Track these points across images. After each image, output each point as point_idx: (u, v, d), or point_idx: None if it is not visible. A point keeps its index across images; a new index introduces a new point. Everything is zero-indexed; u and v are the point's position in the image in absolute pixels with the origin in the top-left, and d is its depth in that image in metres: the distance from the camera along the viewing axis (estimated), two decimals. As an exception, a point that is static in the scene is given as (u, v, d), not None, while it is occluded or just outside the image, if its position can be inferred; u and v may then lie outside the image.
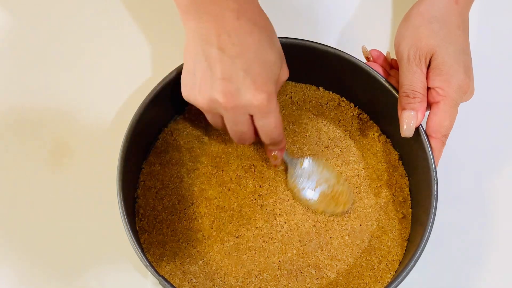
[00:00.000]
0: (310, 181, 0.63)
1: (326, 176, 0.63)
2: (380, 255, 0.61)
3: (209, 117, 0.57)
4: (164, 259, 0.60)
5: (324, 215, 0.62)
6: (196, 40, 0.52)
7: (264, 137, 0.57)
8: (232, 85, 0.51)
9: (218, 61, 0.51)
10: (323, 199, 0.62)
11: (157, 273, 0.54)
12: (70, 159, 0.66)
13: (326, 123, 0.67)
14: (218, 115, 0.56)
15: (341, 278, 0.60)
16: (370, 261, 0.61)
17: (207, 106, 0.54)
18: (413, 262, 0.55)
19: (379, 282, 0.60)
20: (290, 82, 0.68)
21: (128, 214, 0.56)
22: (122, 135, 0.57)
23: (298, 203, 0.63)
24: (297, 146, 0.65)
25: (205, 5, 0.50)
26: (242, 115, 0.54)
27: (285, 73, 0.56)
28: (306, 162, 0.63)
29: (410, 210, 0.63)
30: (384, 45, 0.73)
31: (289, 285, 0.60)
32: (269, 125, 0.55)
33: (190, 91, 0.54)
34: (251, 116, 0.54)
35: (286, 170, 0.64)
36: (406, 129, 0.58)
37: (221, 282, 0.60)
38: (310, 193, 0.62)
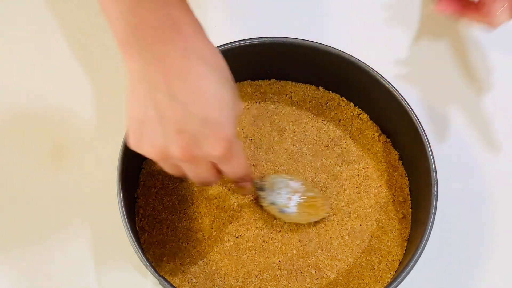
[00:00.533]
0: (282, 196, 0.61)
1: (294, 187, 0.61)
2: (380, 255, 0.61)
3: (164, 167, 0.51)
4: (164, 259, 0.60)
5: (310, 223, 0.61)
6: (142, 83, 0.46)
7: (230, 177, 0.53)
8: (188, 136, 0.46)
9: (170, 109, 0.45)
10: (302, 209, 0.61)
11: (157, 273, 0.54)
12: (70, 160, 0.66)
13: (326, 123, 0.67)
14: (175, 165, 0.50)
15: (341, 278, 0.60)
16: (370, 261, 0.61)
17: (160, 158, 0.48)
18: (413, 262, 0.55)
19: (379, 282, 0.60)
20: (290, 82, 0.68)
21: (128, 214, 0.56)
22: (122, 135, 0.57)
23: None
24: (297, 145, 0.65)
25: (148, 42, 0.45)
26: (203, 164, 0.49)
27: (240, 108, 0.51)
28: (271, 180, 0.61)
29: (410, 210, 0.63)
30: (382, 45, 0.73)
31: (289, 285, 0.60)
32: (234, 167, 0.50)
33: (139, 142, 0.48)
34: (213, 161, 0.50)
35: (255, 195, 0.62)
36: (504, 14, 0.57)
37: (221, 282, 0.60)
38: (287, 209, 0.60)
